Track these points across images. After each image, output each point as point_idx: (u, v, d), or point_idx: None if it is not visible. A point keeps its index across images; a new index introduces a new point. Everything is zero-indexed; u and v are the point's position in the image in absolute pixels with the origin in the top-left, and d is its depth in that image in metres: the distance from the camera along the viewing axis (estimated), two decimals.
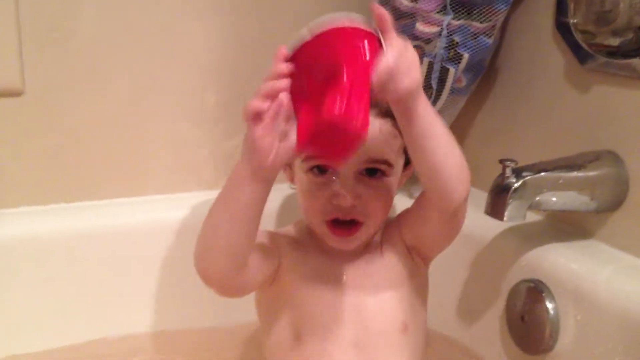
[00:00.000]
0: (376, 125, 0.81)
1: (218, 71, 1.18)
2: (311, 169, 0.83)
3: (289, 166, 0.88)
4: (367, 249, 0.90)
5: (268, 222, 1.16)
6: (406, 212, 0.91)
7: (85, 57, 1.10)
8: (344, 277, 0.88)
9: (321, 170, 0.82)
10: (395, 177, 0.85)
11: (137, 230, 1.12)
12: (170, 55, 1.14)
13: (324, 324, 0.87)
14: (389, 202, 0.86)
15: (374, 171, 0.83)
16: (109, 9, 1.09)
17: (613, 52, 0.92)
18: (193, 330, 1.13)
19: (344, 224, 0.83)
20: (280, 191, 1.15)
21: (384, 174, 0.83)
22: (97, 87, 1.11)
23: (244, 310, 1.05)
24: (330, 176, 0.82)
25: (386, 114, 0.81)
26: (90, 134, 1.13)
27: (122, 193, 1.16)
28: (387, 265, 0.89)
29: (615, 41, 0.91)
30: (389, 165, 0.83)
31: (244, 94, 1.19)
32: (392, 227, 0.91)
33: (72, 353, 1.06)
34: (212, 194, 1.17)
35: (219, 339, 1.13)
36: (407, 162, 0.88)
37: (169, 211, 1.14)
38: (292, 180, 0.89)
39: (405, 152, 0.85)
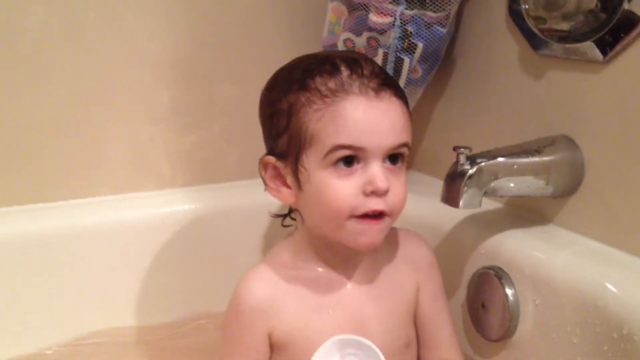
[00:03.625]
0: (398, 107, 0.80)
1: (171, 68, 1.16)
2: (336, 163, 0.78)
3: (286, 186, 0.84)
4: (367, 263, 0.88)
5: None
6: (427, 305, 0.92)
7: (34, 58, 1.07)
8: (347, 296, 0.87)
9: (348, 162, 0.79)
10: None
11: (94, 231, 1.10)
12: (120, 54, 1.12)
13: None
14: (406, 191, 0.83)
15: (395, 158, 0.81)
16: (56, 9, 1.07)
17: (564, 37, 0.93)
18: (154, 326, 1.12)
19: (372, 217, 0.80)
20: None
21: (403, 158, 0.82)
22: (47, 88, 1.09)
23: (208, 300, 1.09)
24: (358, 167, 0.79)
25: (401, 96, 0.81)
26: (43, 135, 1.11)
27: (77, 194, 1.14)
28: (392, 283, 0.89)
29: (566, 25, 0.91)
30: (409, 147, 0.82)
31: (198, 91, 1.19)
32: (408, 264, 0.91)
33: None
34: (169, 193, 1.19)
35: (175, 334, 1.13)
36: None
37: (126, 211, 1.13)
38: (292, 198, 0.84)
39: None
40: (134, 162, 1.17)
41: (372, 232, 0.81)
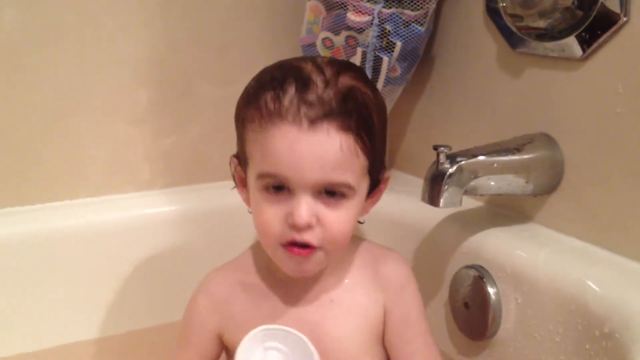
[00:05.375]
0: (336, 142, 0.74)
1: (148, 68, 1.14)
2: (266, 187, 0.77)
3: (245, 187, 0.83)
4: (330, 280, 0.86)
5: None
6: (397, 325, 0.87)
7: (8, 60, 1.05)
8: (303, 312, 0.84)
9: (277, 188, 0.76)
10: (357, 200, 0.79)
11: (72, 234, 1.08)
12: (97, 54, 1.10)
13: None
14: (349, 226, 0.79)
15: (332, 192, 0.77)
16: (31, 10, 1.05)
17: (542, 35, 0.93)
18: (132, 332, 1.11)
19: (300, 246, 0.77)
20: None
21: (344, 195, 0.77)
22: (23, 90, 1.07)
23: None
24: (286, 195, 0.76)
25: (349, 129, 0.74)
26: (18, 137, 1.08)
27: (55, 197, 1.12)
28: (355, 303, 0.85)
29: (542, 23, 0.91)
30: (350, 187, 0.77)
31: (177, 91, 1.18)
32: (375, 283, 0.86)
33: None
34: (148, 195, 1.17)
35: (160, 338, 1.11)
36: (374, 186, 0.83)
37: (104, 213, 1.11)
38: (248, 202, 0.83)
39: (369, 173, 0.80)
40: (113, 163, 1.16)
41: (300, 264, 0.79)
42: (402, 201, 1.13)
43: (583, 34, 0.87)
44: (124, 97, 1.14)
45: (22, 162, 1.09)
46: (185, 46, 1.16)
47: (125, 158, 1.16)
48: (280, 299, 0.85)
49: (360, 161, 0.76)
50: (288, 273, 0.81)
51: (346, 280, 0.86)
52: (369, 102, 0.78)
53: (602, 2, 0.85)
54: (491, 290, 0.92)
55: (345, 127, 0.74)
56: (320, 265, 0.80)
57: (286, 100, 0.74)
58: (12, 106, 1.07)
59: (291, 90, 0.75)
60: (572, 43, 0.89)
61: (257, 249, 0.89)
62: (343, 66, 0.80)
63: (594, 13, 0.86)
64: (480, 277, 0.93)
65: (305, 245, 0.77)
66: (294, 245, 0.77)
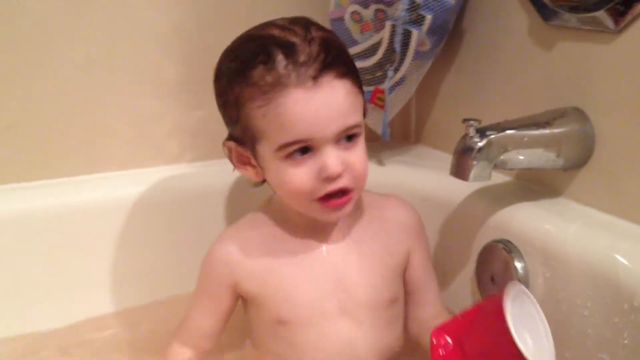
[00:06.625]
0: (340, 90, 0.79)
1: (177, 42, 1.15)
2: (290, 155, 0.80)
3: (248, 165, 0.87)
4: (345, 223, 0.91)
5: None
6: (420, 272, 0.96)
7: (37, 32, 1.06)
8: (324, 253, 0.89)
9: (302, 151, 0.80)
10: (363, 134, 0.85)
11: (100, 207, 1.10)
12: (125, 27, 1.11)
13: (305, 303, 0.88)
14: (367, 161, 0.85)
15: (349, 136, 0.82)
16: None
17: (575, 7, 0.91)
18: (157, 302, 1.13)
19: (336, 195, 0.82)
20: None
21: (357, 135, 0.83)
22: (51, 63, 1.08)
23: None
24: (312, 154, 0.80)
25: (344, 74, 0.80)
26: (46, 111, 1.10)
27: (83, 170, 1.14)
28: (376, 243, 0.91)
29: None
30: (360, 126, 0.83)
31: (205, 65, 1.17)
32: (399, 228, 0.94)
33: (35, 340, 1.05)
34: (176, 168, 1.18)
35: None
36: None
37: (132, 187, 1.12)
38: (259, 177, 0.87)
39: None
40: (141, 137, 1.17)
41: (337, 211, 0.84)
42: (430, 175, 1.13)
43: (617, 5, 0.85)
44: (153, 71, 1.15)
45: (50, 135, 1.11)
46: (212, 21, 1.16)
47: (153, 132, 1.18)
48: (300, 245, 0.89)
49: (360, 99, 0.83)
50: (325, 220, 0.86)
51: (364, 224, 0.92)
52: (342, 45, 0.85)
53: None
54: (518, 265, 0.92)
55: (341, 73, 0.79)
56: (352, 204, 0.85)
57: (281, 68, 0.78)
58: (40, 80, 1.09)
59: (280, 57, 0.78)
60: (606, 15, 0.87)
61: (268, 206, 0.93)
62: (306, 22, 0.84)
63: None
64: (507, 251, 0.93)
65: (342, 193, 0.82)
66: (331, 197, 0.82)
